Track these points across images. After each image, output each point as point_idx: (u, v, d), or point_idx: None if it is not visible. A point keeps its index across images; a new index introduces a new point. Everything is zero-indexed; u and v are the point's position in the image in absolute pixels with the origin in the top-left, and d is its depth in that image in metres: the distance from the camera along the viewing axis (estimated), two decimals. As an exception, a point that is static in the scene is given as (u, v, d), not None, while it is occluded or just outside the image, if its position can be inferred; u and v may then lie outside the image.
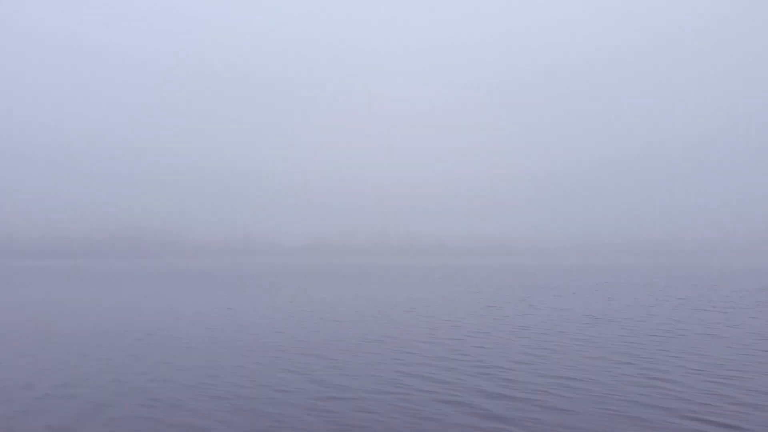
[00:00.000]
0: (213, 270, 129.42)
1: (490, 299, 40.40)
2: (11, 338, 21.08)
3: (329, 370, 15.04)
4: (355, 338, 20.97)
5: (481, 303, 37.14)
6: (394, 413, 10.94)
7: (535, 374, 14.50)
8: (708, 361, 16.39)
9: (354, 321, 26.64)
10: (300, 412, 11.07)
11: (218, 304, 35.71)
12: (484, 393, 12.51)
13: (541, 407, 11.34)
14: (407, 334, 22.22)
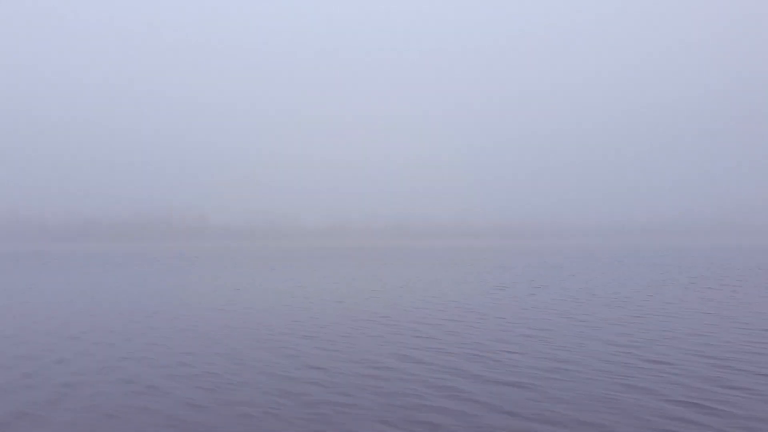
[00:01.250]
0: (234, 252, 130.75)
1: (498, 280, 39.64)
2: None
3: (317, 351, 14.60)
4: (350, 318, 20.54)
5: (490, 284, 36.44)
6: (372, 395, 10.42)
7: (531, 357, 13.82)
8: (708, 342, 15.48)
9: (355, 302, 26.24)
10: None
11: (217, 287, 35.71)
12: (470, 376, 11.91)
13: (533, 391, 10.69)
14: (405, 314, 21.69)
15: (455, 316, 21.14)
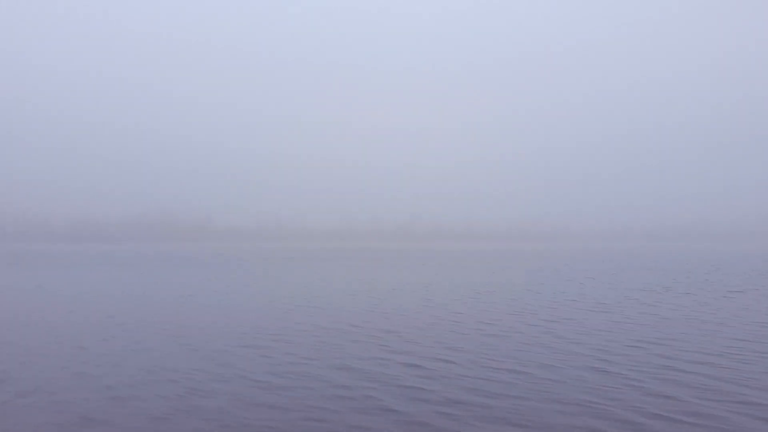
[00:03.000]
0: (232, 254, 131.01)
1: (491, 283, 39.39)
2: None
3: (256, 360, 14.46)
4: (308, 325, 20.39)
5: (479, 289, 36.20)
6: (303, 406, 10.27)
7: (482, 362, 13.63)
8: (682, 351, 15.21)
9: (331, 307, 26.10)
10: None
11: (203, 290, 35.71)
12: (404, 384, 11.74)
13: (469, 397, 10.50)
14: (373, 322, 21.53)
15: (429, 321, 20.95)
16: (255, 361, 13.79)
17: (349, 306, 25.68)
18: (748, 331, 18.45)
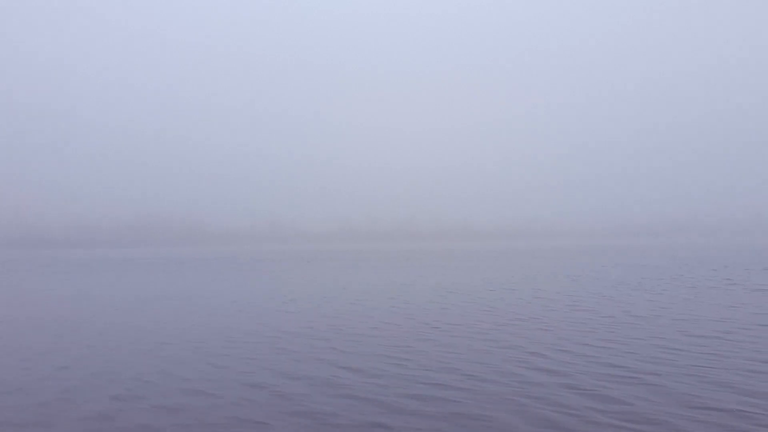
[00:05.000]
0: (225, 258, 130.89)
1: (474, 283, 39.62)
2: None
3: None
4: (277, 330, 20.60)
5: (459, 289, 36.43)
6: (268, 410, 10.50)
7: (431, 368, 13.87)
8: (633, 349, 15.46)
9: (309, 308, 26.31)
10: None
11: (182, 291, 35.88)
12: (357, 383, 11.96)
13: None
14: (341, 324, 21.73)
15: (395, 322, 21.17)
16: (246, 363, 14.03)
17: (324, 308, 25.91)
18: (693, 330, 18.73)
